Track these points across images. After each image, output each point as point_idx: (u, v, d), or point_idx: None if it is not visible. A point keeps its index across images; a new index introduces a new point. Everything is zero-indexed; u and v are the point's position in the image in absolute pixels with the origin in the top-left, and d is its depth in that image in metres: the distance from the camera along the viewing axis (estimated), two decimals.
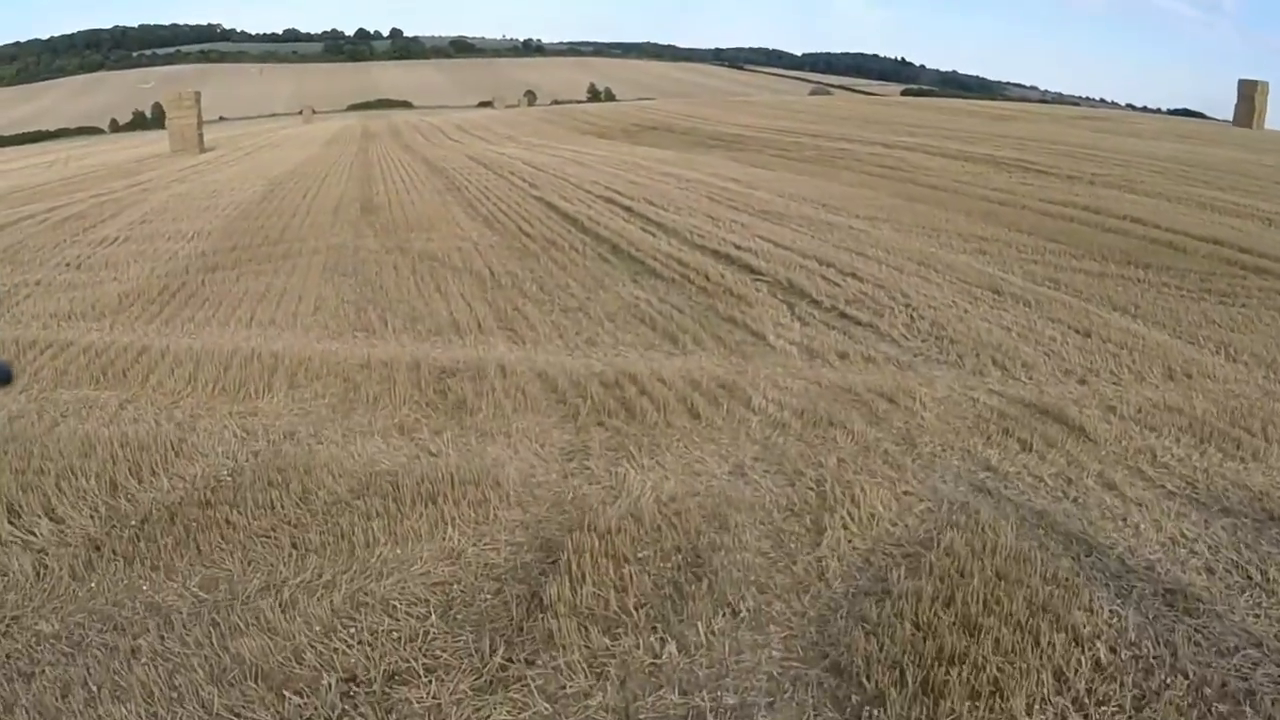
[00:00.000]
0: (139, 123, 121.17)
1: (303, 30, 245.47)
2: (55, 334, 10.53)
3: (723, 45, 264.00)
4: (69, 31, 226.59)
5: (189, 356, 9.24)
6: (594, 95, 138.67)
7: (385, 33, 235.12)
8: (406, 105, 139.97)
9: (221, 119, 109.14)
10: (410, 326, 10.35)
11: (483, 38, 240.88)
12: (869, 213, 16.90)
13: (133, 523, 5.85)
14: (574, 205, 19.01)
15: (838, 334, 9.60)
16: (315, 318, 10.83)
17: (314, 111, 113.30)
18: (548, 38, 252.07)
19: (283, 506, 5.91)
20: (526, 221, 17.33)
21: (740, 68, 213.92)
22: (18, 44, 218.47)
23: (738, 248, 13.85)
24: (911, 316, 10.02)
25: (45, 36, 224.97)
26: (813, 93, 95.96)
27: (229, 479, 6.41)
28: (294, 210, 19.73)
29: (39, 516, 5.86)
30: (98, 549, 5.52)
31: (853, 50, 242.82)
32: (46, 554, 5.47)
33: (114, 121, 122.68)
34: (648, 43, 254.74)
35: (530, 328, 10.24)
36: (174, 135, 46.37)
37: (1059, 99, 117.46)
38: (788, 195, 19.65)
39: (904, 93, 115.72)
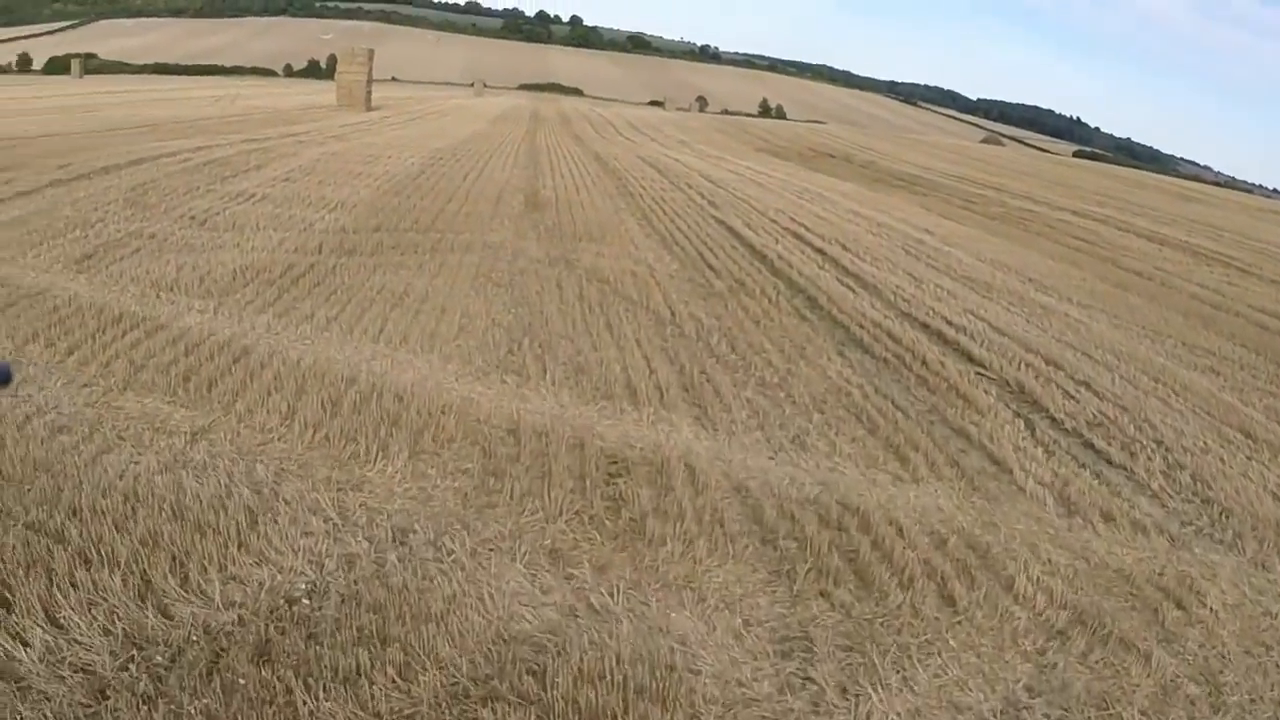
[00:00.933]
0: (313, 71, 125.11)
1: (484, 5, 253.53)
2: (148, 309, 8.98)
3: (898, 78, 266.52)
4: None
5: (294, 375, 7.45)
6: (765, 110, 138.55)
7: (565, 19, 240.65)
8: (578, 93, 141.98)
9: (394, 79, 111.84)
10: (573, 379, 8.36)
11: (660, 37, 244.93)
12: (1080, 297, 15.50)
13: (156, 660, 4.00)
14: (759, 236, 16.98)
15: (1090, 475, 7.59)
16: (458, 344, 8.96)
17: (485, 85, 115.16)
18: (724, 46, 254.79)
19: (370, 684, 3.94)
20: (709, 249, 15.35)
21: (913, 103, 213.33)
22: None
23: (949, 323, 11.82)
24: (1167, 461, 8.10)
25: None
26: (984, 140, 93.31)
27: (304, 604, 4.51)
28: (451, 192, 18.19)
29: (35, 617, 4.08)
30: (102, 695, 3.76)
31: (1027, 101, 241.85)
32: (29, 688, 3.68)
33: (289, 67, 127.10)
34: (823, 65, 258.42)
35: (723, 406, 8.13)
36: (342, 89, 46.42)
37: (1231, 183, 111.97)
38: (988, 260, 17.78)
39: (1076, 153, 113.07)
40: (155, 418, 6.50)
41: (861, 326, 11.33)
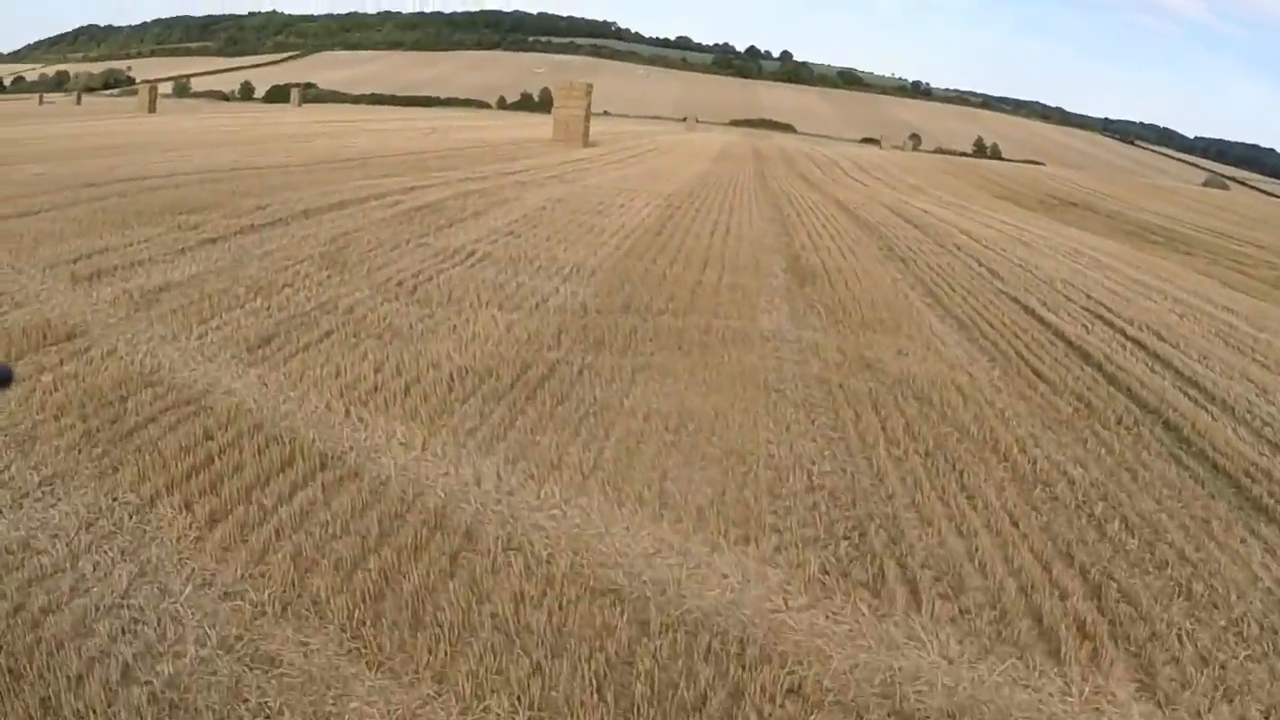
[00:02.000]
0: (525, 104, 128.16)
1: (694, 40, 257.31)
2: (334, 437, 6.54)
3: (1113, 115, 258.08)
4: (470, 9, 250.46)
5: (549, 589, 4.72)
6: (980, 149, 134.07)
7: (775, 54, 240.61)
8: (790, 129, 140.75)
9: (605, 113, 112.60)
10: (950, 600, 5.29)
11: (870, 72, 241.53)
12: None
13: None
14: (1067, 323, 13.58)
15: None
16: (774, 524, 6.05)
17: (698, 121, 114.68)
18: (935, 82, 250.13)
19: None
20: (1021, 343, 12.05)
21: (1129, 141, 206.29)
22: (421, 14, 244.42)
23: None
24: None
25: (447, 11, 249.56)
26: (1207, 182, 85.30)
27: None
28: (702, 255, 15.54)
29: None
30: None
31: (1248, 140, 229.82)
32: None
33: (501, 99, 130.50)
34: (1035, 102, 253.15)
35: (1166, 654, 4.91)
36: (559, 124, 45.29)
37: None
38: None
39: None
40: (329, 683, 3.86)
41: (1250, 477, 7.84)
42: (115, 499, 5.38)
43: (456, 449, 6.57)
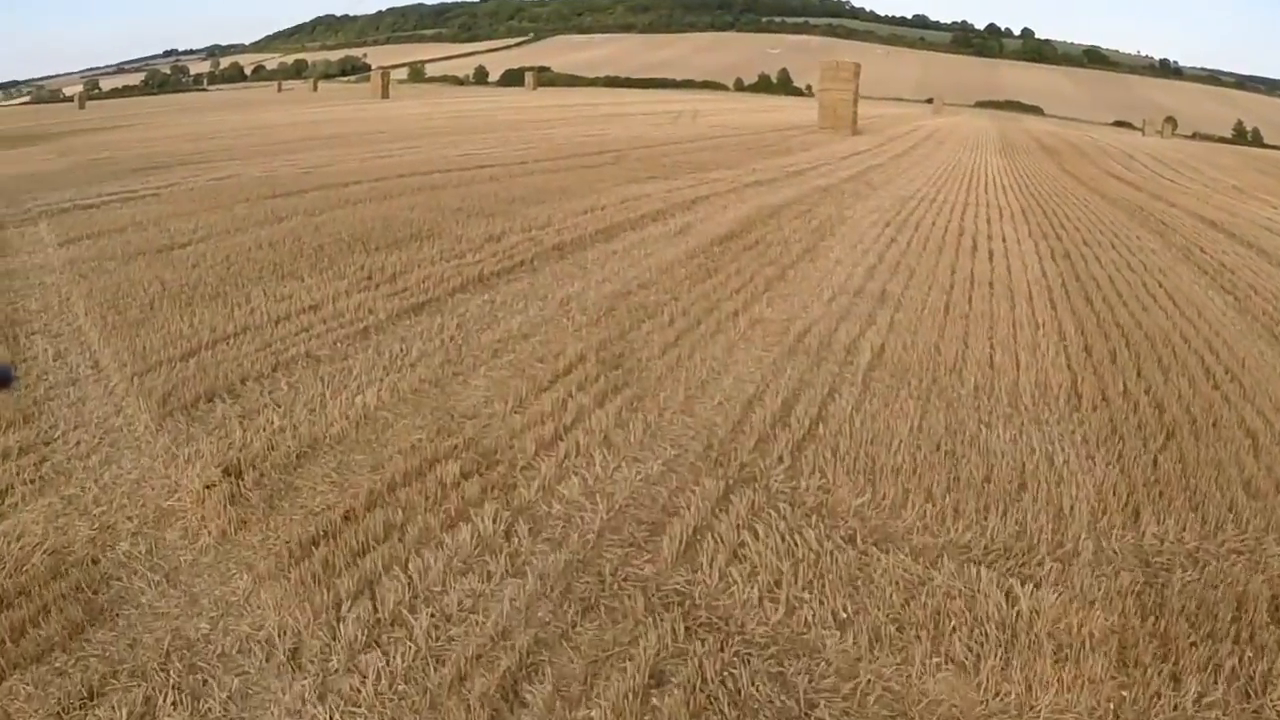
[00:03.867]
0: (763, 85, 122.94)
1: (932, 18, 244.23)
2: None
3: None
4: None
5: None
6: (1240, 133, 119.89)
7: (1016, 31, 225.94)
8: (1037, 111, 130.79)
9: None
10: None
11: (1116, 50, 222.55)
12: None
13: None
14: None
15: None
16: None
17: (945, 103, 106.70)
18: (1184, 60, 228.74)
19: None
20: None
21: None
22: None
23: None
24: None
25: None
26: None
27: None
28: (1170, 310, 9.79)
29: None
30: None
31: None
32: None
33: (739, 81, 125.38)
34: None
35: None
36: (825, 108, 39.71)
37: None
38: None
39: None
40: None
41: None
42: None
43: None
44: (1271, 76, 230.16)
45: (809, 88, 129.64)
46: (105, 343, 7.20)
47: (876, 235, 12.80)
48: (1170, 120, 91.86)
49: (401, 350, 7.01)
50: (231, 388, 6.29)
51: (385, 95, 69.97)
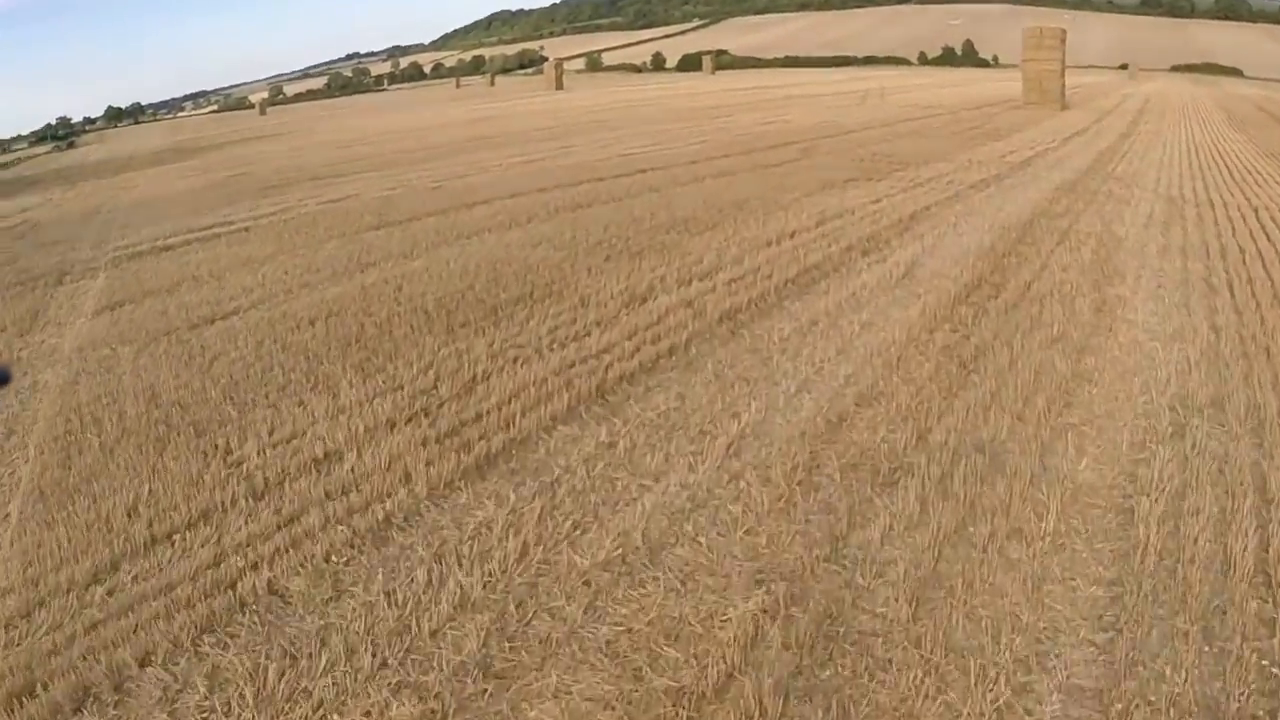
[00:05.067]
0: (947, 58, 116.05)
1: None
2: None
3: None
4: None
5: None
6: None
7: None
8: (1237, 73, 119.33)
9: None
10: None
11: None
12: None
13: None
14: None
15: None
16: None
17: (1140, 69, 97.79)
18: None
19: None
20: None
21: None
22: None
23: None
24: None
25: None
26: None
27: None
28: None
29: None
30: None
31: None
32: None
33: (922, 55, 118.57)
34: None
35: None
36: (1029, 80, 34.67)
37: None
38: None
39: None
40: None
41: None
42: None
43: None
44: None
45: (995, 58, 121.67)
46: (18, 533, 4.41)
47: (1179, 274, 8.78)
48: None
49: (415, 598, 3.76)
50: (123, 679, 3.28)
51: (560, 86, 68.21)
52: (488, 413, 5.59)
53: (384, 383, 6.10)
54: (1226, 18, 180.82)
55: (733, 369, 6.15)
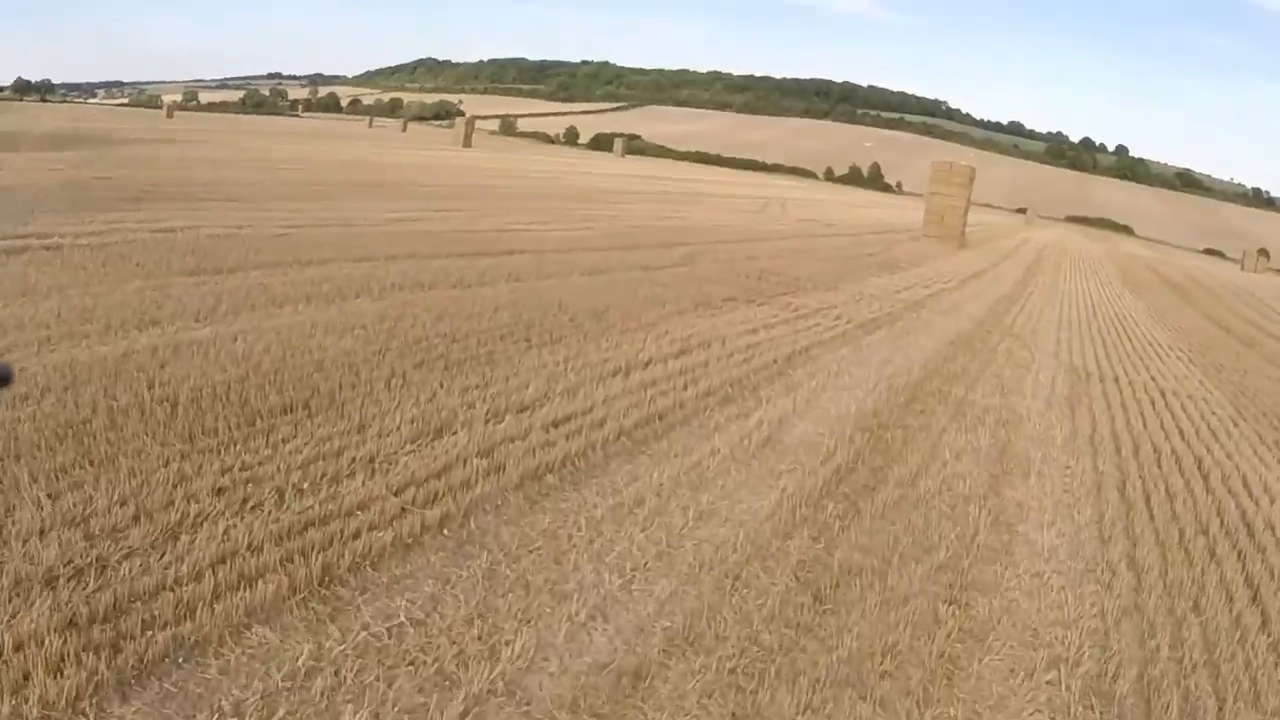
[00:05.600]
0: (854, 178, 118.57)
1: (1026, 126, 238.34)
2: None
3: None
4: (800, 76, 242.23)
5: None
6: None
7: (1110, 147, 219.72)
8: (1128, 231, 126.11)
9: (935, 194, 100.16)
10: None
11: (1209, 175, 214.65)
12: None
13: None
14: None
15: None
16: None
17: (1038, 215, 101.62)
18: (1277, 191, 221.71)
19: None
20: None
21: None
22: (750, 76, 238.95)
23: None
24: None
25: (778, 76, 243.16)
26: None
27: None
28: None
29: None
30: None
31: None
32: None
33: (829, 170, 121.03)
34: None
35: None
36: (933, 214, 34.34)
37: None
38: None
39: None
40: None
41: None
42: None
43: None
44: None
45: (899, 184, 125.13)
46: None
47: (1090, 478, 7.45)
48: (1263, 252, 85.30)
49: None
50: None
51: (468, 144, 66.62)
52: (168, 587, 3.78)
53: (52, 514, 4.21)
54: (1125, 178, 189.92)
55: (514, 565, 4.45)
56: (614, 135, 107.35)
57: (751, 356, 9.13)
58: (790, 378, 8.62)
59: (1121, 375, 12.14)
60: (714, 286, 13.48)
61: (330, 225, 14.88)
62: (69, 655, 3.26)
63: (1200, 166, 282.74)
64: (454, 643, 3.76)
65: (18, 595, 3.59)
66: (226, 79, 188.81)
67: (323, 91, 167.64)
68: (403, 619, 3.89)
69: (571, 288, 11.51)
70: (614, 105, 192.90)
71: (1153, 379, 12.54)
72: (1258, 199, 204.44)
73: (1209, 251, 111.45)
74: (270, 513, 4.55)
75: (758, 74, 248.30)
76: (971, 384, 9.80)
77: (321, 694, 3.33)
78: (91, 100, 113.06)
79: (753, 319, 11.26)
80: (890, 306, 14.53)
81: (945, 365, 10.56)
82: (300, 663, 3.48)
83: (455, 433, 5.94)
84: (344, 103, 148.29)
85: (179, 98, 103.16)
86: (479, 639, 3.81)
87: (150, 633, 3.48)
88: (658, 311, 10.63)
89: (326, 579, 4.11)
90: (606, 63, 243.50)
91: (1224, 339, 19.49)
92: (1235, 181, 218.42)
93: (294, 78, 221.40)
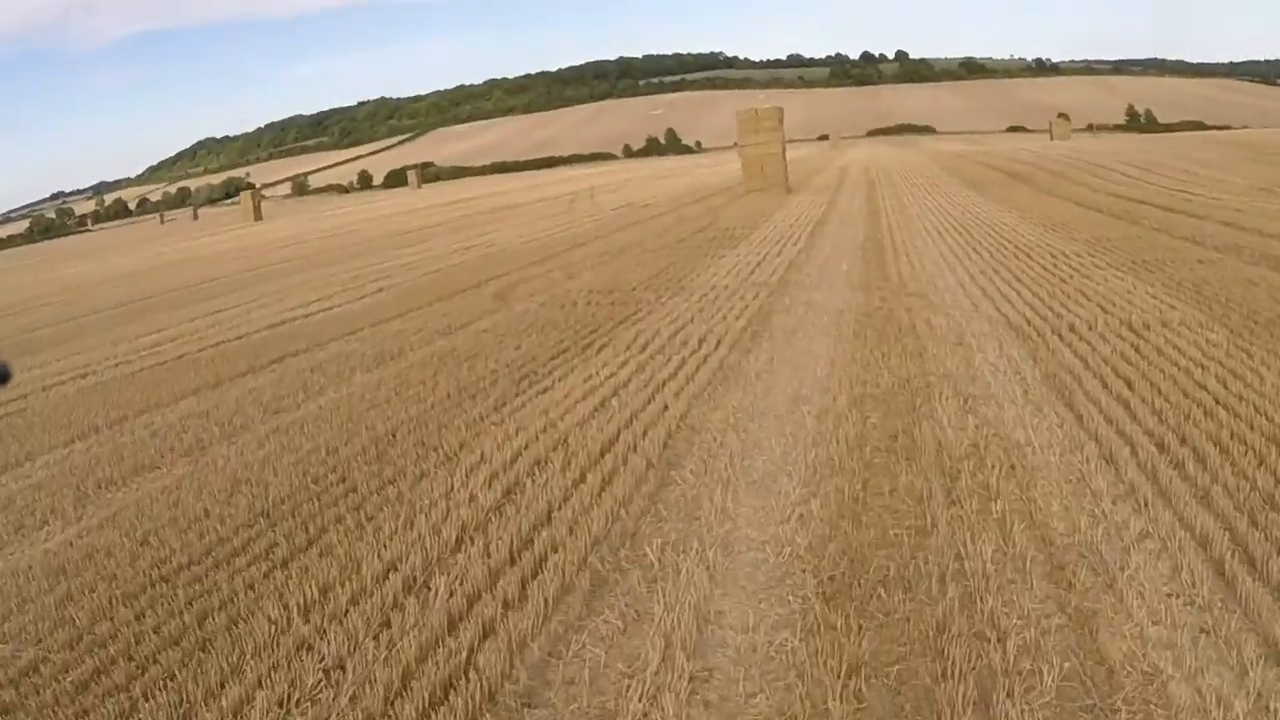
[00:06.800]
0: (653, 148, 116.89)
1: (806, 55, 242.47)
2: None
3: (1236, 58, 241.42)
4: (576, 64, 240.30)
5: None
6: (1133, 118, 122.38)
7: (891, 55, 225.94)
8: (930, 130, 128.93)
9: (737, 145, 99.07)
10: None
11: (991, 58, 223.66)
12: None
13: None
14: None
15: None
16: None
17: (841, 138, 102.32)
18: (1055, 55, 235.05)
19: None
20: None
21: (1272, 82, 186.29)
22: (528, 76, 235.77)
23: None
24: None
25: (553, 69, 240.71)
26: None
27: None
28: None
29: None
30: None
31: None
32: None
33: (627, 147, 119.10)
34: (1153, 58, 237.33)
35: None
36: (750, 165, 31.84)
37: None
38: None
39: None
40: None
41: None
42: None
43: None
44: (1132, 57, 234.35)
45: (699, 143, 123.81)
46: None
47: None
48: (1063, 116, 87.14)
49: None
50: None
51: (258, 217, 61.82)
52: None
53: None
54: (912, 80, 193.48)
55: None
56: (406, 168, 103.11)
57: (613, 468, 5.85)
58: (679, 497, 5.38)
59: (1078, 323, 9.12)
60: (536, 336, 10.23)
61: (64, 381, 11.04)
62: None
63: (980, 51, 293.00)
64: None
65: None
66: (9, 212, 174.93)
67: (109, 198, 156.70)
68: None
69: (343, 408, 8.06)
70: (400, 138, 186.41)
71: (1104, 311, 9.68)
72: (1041, 68, 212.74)
73: (1013, 129, 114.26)
74: None
75: (533, 71, 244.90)
76: (929, 408, 6.69)
77: None
78: None
79: (595, 379, 8.04)
80: (752, 299, 11.54)
81: (873, 382, 7.50)
82: None
83: None
84: (132, 205, 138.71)
85: None
86: None
87: None
88: (467, 415, 7.29)
89: None
90: (383, 98, 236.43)
91: (1112, 224, 17.03)
92: (1017, 57, 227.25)
93: (78, 192, 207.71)
